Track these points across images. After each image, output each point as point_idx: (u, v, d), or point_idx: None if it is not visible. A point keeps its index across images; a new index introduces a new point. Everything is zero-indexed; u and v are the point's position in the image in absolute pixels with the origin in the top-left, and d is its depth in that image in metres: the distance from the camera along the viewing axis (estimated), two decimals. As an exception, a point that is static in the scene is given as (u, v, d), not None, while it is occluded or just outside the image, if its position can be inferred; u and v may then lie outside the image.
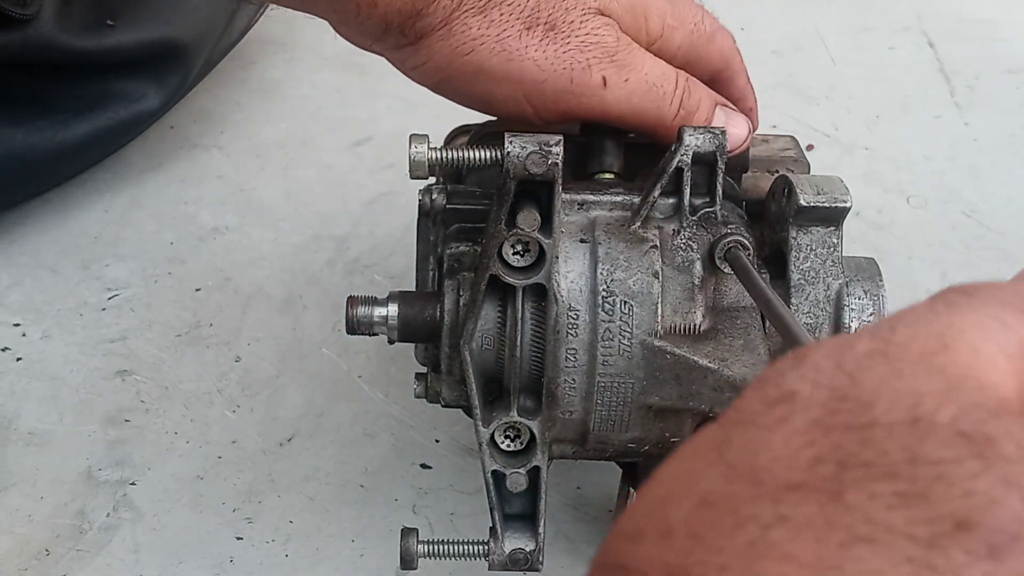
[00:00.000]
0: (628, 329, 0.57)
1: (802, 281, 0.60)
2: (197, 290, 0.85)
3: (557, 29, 0.60)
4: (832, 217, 0.60)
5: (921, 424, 0.27)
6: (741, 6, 1.14)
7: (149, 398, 0.78)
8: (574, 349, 0.58)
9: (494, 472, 0.59)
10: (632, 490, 0.63)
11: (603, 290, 0.58)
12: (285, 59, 1.05)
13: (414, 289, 0.64)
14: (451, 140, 0.69)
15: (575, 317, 0.57)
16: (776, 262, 0.61)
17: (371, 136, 0.97)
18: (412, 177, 0.59)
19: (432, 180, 0.64)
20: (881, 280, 0.62)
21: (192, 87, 0.98)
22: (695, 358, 0.57)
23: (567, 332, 0.57)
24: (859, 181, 0.95)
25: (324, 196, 0.93)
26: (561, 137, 0.55)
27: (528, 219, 0.55)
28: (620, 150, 0.64)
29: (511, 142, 0.55)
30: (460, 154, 0.57)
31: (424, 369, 0.65)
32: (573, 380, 0.58)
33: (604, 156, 0.63)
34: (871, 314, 0.61)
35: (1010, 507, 0.25)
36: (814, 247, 0.60)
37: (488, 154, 0.57)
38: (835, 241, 0.60)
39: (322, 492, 0.72)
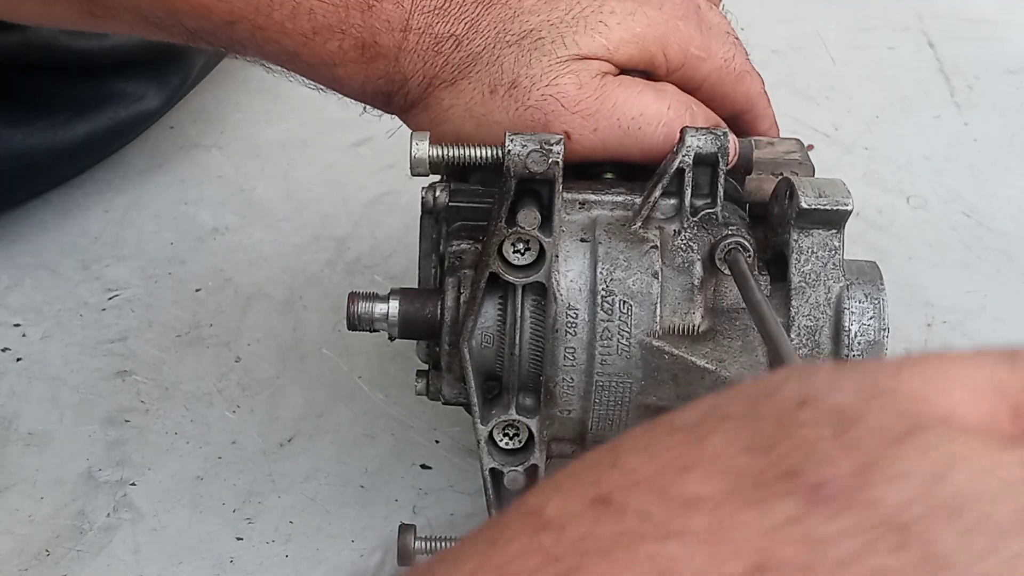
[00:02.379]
0: (627, 329, 0.58)
1: (803, 284, 0.60)
2: (197, 290, 0.85)
3: (518, 86, 0.60)
4: (834, 220, 0.59)
5: (805, 403, 0.29)
6: (741, 6, 1.14)
7: (149, 398, 0.78)
8: (572, 348, 0.58)
9: (492, 470, 0.60)
10: None
11: (602, 289, 0.58)
12: (285, 59, 1.05)
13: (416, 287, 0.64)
14: None
15: (574, 316, 0.58)
16: (778, 264, 0.61)
17: (371, 136, 0.97)
18: (413, 175, 0.59)
19: (437, 178, 0.64)
20: (882, 284, 0.62)
21: (192, 87, 0.98)
22: (693, 358, 0.57)
23: (566, 331, 0.58)
24: (859, 181, 0.95)
25: (324, 196, 0.93)
26: (562, 136, 0.55)
27: (528, 218, 0.56)
28: None
29: (512, 140, 0.55)
30: (461, 152, 0.57)
31: (425, 367, 0.65)
32: (571, 379, 0.58)
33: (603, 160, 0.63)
34: (871, 317, 0.61)
35: (838, 468, 0.27)
36: (815, 250, 0.60)
37: (489, 152, 0.57)
38: (836, 244, 0.60)
39: (322, 492, 0.72)
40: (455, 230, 0.61)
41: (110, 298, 0.85)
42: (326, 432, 0.76)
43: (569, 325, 0.58)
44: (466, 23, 0.61)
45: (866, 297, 0.61)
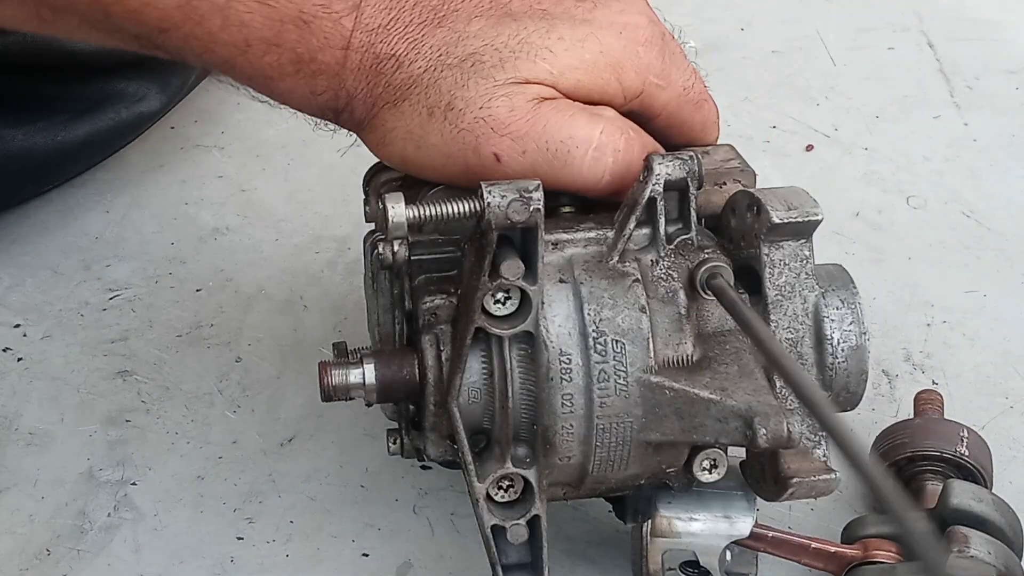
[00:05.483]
0: (623, 368, 0.56)
1: (779, 297, 0.59)
2: (198, 290, 0.85)
3: (453, 108, 0.59)
4: (804, 230, 0.58)
5: None
6: (741, 6, 1.14)
7: (150, 398, 0.78)
8: (570, 394, 0.56)
9: (493, 527, 0.58)
10: (624, 523, 0.63)
11: (593, 331, 0.56)
12: (286, 59, 1.05)
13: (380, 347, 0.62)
14: (371, 178, 0.67)
15: (567, 361, 0.56)
16: (745, 277, 0.60)
17: (371, 136, 0.97)
18: (390, 240, 0.56)
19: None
20: (854, 287, 0.61)
21: (193, 88, 0.98)
22: (695, 391, 0.55)
23: (561, 378, 0.56)
24: (859, 181, 0.95)
25: (325, 196, 0.93)
26: (539, 182, 0.54)
27: (512, 268, 0.54)
28: None
29: (490, 192, 0.53)
30: (438, 209, 0.55)
31: (394, 425, 0.63)
32: (571, 425, 0.56)
33: (559, 193, 0.61)
34: (851, 323, 0.60)
35: None
36: (787, 262, 0.59)
37: (467, 207, 0.54)
38: (807, 254, 0.59)
39: (323, 492, 0.72)
40: (422, 285, 0.59)
41: (111, 298, 0.85)
42: (327, 432, 0.76)
43: (564, 371, 0.56)
44: (408, 43, 0.60)
45: (843, 303, 0.60)
